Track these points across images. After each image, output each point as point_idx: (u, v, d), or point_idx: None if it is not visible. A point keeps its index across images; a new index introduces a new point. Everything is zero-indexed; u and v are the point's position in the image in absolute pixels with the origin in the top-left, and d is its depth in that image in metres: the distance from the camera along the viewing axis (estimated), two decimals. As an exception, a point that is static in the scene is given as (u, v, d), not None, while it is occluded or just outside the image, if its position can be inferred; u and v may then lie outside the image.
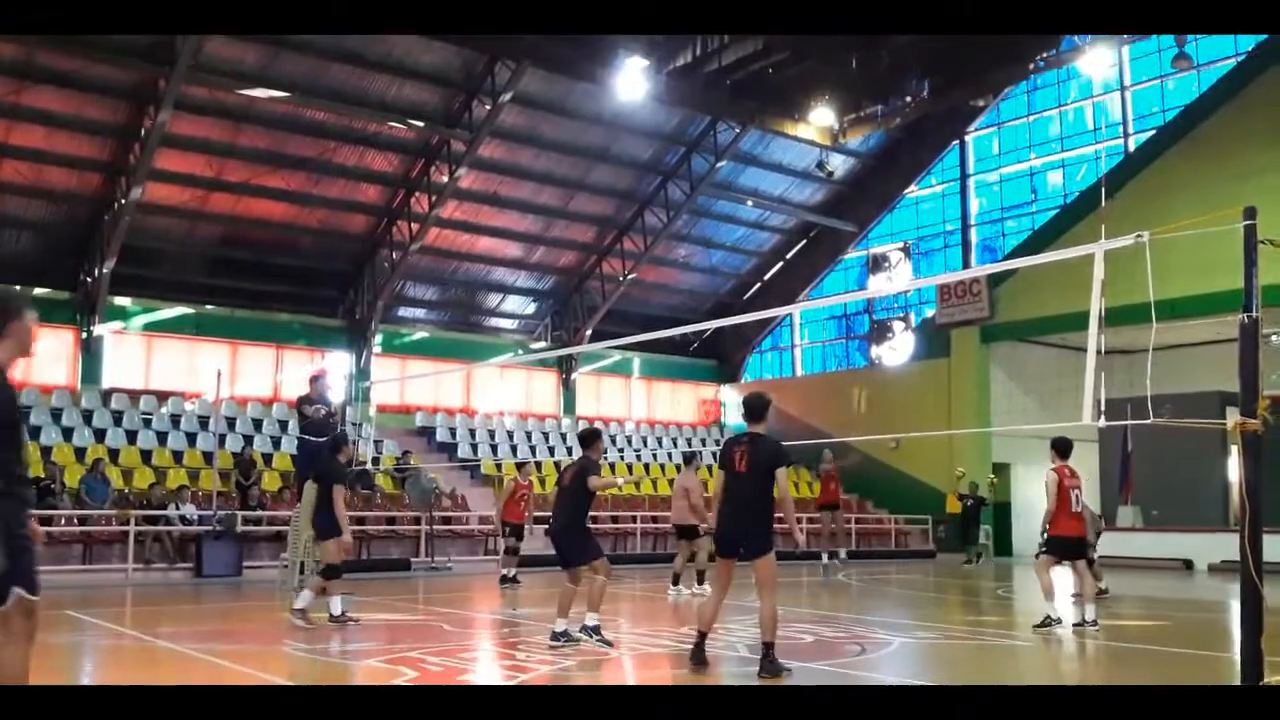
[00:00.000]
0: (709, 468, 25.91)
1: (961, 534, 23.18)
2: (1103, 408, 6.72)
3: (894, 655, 9.01)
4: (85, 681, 7.73)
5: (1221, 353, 13.97)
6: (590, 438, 9.52)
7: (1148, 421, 6.97)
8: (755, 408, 7.79)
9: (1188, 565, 21.32)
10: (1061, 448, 10.79)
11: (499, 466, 24.07)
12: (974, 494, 22.61)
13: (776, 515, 7.67)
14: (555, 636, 8.78)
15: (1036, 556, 11.52)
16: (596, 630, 8.44)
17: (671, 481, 25.05)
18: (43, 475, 17.24)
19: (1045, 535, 11.13)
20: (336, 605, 10.46)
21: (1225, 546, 18.45)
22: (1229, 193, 17.81)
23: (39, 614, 4.35)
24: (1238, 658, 6.32)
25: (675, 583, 14.33)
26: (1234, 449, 6.42)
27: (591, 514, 9.40)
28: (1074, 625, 10.69)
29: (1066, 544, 10.80)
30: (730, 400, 32.60)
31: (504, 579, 15.55)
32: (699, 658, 7.54)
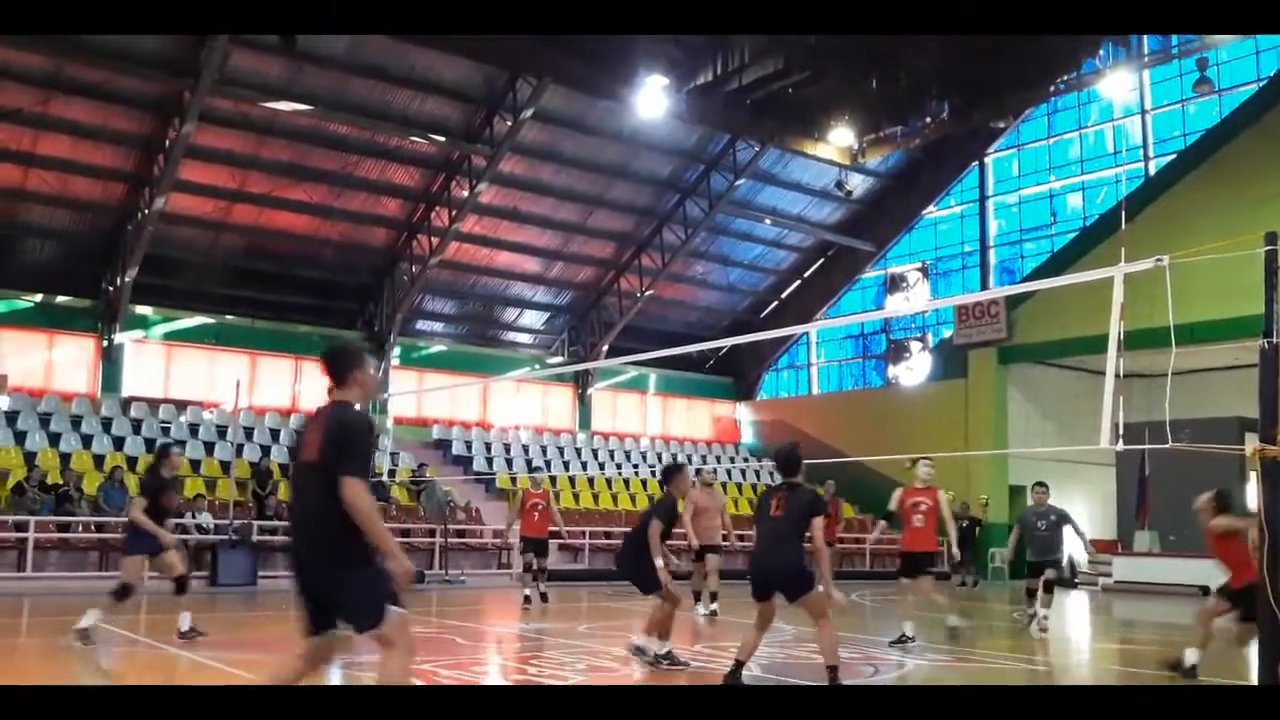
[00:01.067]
0: (722, 485, 25.99)
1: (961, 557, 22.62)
2: (1120, 431, 6.70)
3: (907, 677, 8.97)
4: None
5: (1241, 378, 13.91)
6: (671, 473, 9.36)
7: (1166, 446, 6.93)
8: (791, 461, 7.69)
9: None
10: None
11: (514, 480, 24.11)
12: (966, 514, 22.00)
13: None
14: (649, 653, 8.83)
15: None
16: (642, 651, 8.52)
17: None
18: (61, 482, 17.38)
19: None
20: (185, 621, 9.91)
21: (1243, 573, 18.29)
22: (1250, 217, 17.76)
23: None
24: (1255, 684, 6.28)
25: (697, 600, 13.96)
26: (1253, 475, 6.38)
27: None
28: (889, 643, 10.66)
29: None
30: (746, 418, 32.56)
31: (527, 599, 14.81)
32: (734, 679, 7.43)
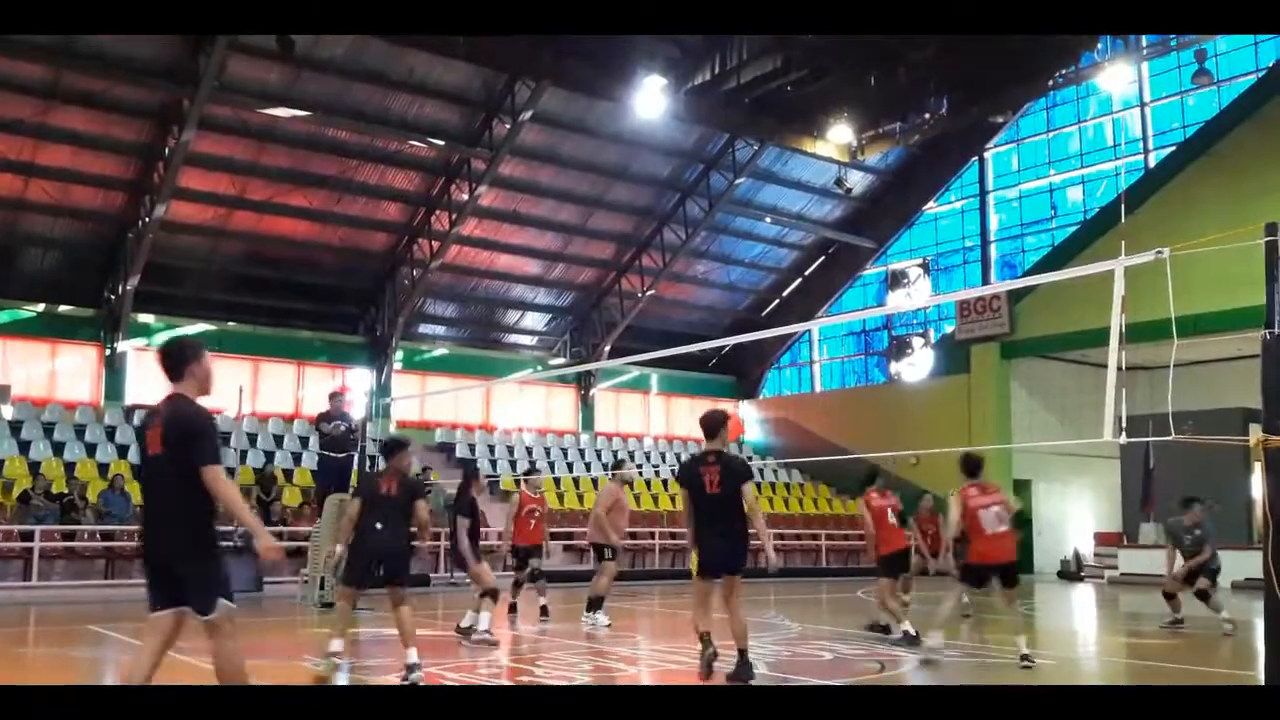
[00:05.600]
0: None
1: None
2: (1124, 424, 6.70)
3: (913, 673, 8.96)
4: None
5: (1244, 369, 13.86)
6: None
7: (1170, 438, 6.94)
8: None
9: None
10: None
11: (518, 482, 24.09)
12: None
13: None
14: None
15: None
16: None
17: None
18: (66, 491, 17.40)
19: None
20: None
21: (1248, 564, 18.26)
22: (1250, 209, 17.70)
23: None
24: (1262, 675, 6.27)
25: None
26: (1257, 466, 6.37)
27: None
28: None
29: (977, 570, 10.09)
30: (749, 416, 32.54)
31: (513, 607, 13.24)
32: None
